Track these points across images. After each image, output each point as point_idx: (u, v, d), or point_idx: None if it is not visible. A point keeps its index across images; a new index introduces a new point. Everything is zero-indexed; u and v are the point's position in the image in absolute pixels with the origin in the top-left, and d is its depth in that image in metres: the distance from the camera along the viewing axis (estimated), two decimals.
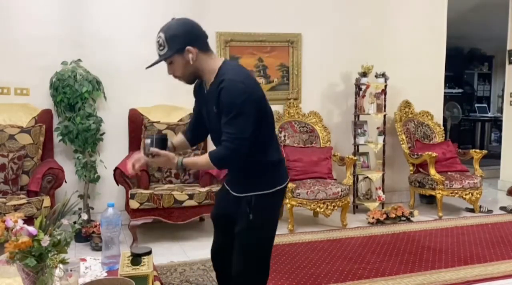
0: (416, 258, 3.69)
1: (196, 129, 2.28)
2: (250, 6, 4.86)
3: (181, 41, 1.92)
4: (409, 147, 5.30)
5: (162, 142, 2.06)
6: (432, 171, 4.87)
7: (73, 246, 3.82)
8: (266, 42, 4.89)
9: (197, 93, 2.17)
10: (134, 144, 4.46)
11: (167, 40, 1.91)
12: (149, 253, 2.10)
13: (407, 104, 5.48)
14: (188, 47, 1.92)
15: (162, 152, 2.00)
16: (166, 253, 3.74)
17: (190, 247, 3.89)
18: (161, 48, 1.94)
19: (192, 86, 2.18)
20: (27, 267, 1.71)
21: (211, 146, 2.37)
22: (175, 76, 2.03)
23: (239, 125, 1.88)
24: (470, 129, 9.86)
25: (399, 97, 5.43)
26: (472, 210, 5.13)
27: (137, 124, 4.45)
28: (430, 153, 4.89)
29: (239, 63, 2.13)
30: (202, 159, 2.01)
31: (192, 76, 2.02)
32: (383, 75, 5.03)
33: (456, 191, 4.88)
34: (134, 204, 3.82)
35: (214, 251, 2.32)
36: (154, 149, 1.99)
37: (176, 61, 1.95)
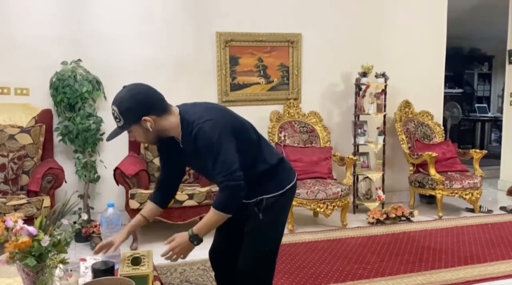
0: (416, 258, 3.69)
1: (170, 186, 2.23)
2: (250, 6, 4.86)
3: (136, 113, 1.90)
4: (409, 147, 5.30)
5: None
6: (432, 171, 4.87)
7: (73, 246, 3.82)
8: (266, 42, 4.88)
9: (169, 147, 2.09)
10: (134, 144, 4.46)
11: (122, 114, 1.90)
12: (111, 268, 2.06)
13: (407, 104, 5.48)
14: (144, 118, 1.90)
15: (172, 245, 1.97)
16: None
17: None
18: (117, 120, 1.93)
19: None
20: (27, 267, 1.71)
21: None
22: (138, 141, 2.05)
23: (225, 161, 1.86)
24: (470, 129, 9.85)
25: (399, 97, 5.43)
26: (472, 210, 5.13)
27: None
28: (430, 153, 4.89)
29: (189, 103, 2.10)
30: (211, 216, 1.92)
31: (156, 139, 2.01)
32: (383, 75, 5.03)
33: (456, 191, 4.88)
34: (134, 204, 3.82)
35: (213, 250, 2.32)
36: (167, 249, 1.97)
37: (135, 130, 1.95)
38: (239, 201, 1.93)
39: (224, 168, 1.86)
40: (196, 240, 1.94)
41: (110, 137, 1.98)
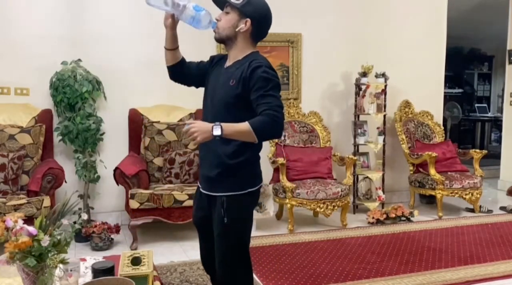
0: (416, 258, 3.69)
1: (188, 67, 2.26)
2: None
3: (252, 11, 2.01)
4: (409, 147, 5.30)
5: None
6: (432, 171, 4.87)
7: (73, 246, 3.82)
8: (266, 42, 4.88)
9: (214, 64, 2.20)
10: (134, 144, 4.46)
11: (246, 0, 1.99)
12: (111, 268, 2.07)
13: (407, 104, 5.48)
14: (248, 20, 2.00)
15: (193, 124, 1.88)
16: (166, 253, 3.74)
17: (190, 247, 3.89)
18: None
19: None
20: (27, 267, 1.71)
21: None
22: (217, 26, 2.07)
23: (277, 96, 1.92)
24: (470, 129, 9.85)
25: (399, 97, 5.43)
26: (472, 210, 5.13)
27: (137, 124, 4.45)
28: (430, 153, 4.89)
29: None
30: (242, 125, 1.85)
31: (225, 38, 2.07)
32: (383, 75, 5.03)
33: (456, 191, 4.88)
34: (134, 204, 3.82)
35: (203, 255, 2.31)
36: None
37: (231, 16, 2.03)
38: (273, 132, 1.91)
39: (272, 100, 1.89)
40: (218, 131, 1.82)
41: None
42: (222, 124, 1.84)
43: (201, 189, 2.18)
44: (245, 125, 1.85)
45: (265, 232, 4.33)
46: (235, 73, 2.00)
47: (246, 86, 1.95)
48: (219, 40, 2.10)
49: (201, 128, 1.84)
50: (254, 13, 2.01)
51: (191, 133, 1.85)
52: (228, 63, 2.09)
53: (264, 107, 1.87)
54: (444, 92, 5.97)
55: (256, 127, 1.84)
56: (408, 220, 4.72)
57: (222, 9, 2.10)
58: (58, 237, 1.78)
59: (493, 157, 6.89)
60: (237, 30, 2.02)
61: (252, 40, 2.07)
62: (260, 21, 2.04)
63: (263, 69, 1.94)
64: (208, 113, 2.10)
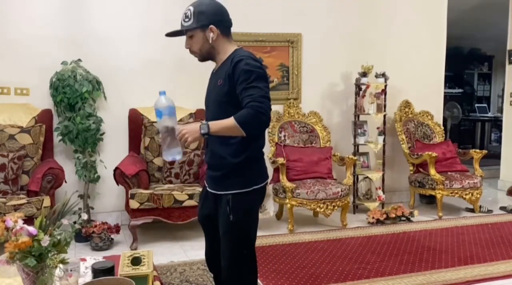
0: (416, 258, 3.69)
1: None
2: (250, 6, 4.85)
3: (208, 18, 2.01)
4: (409, 147, 5.30)
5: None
6: (432, 171, 4.87)
7: (73, 246, 3.82)
8: (266, 42, 4.88)
9: (210, 78, 2.23)
10: (134, 144, 4.46)
11: (195, 14, 2.00)
12: (111, 268, 2.07)
13: (407, 104, 5.48)
14: (212, 26, 2.01)
15: (183, 127, 1.93)
16: (166, 253, 3.74)
17: (190, 247, 3.89)
18: (187, 19, 2.02)
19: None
20: (27, 267, 1.71)
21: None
22: (191, 51, 2.10)
23: (260, 87, 1.92)
24: (470, 129, 9.85)
25: (399, 97, 5.43)
26: (472, 210, 5.13)
27: (137, 124, 4.45)
28: (430, 153, 4.89)
29: None
30: (228, 120, 1.90)
31: (207, 55, 2.10)
32: (383, 75, 5.03)
33: (456, 191, 4.88)
34: (134, 204, 3.82)
35: (207, 254, 2.32)
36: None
37: (197, 36, 2.04)
38: (258, 123, 1.91)
39: (259, 91, 1.90)
40: (204, 129, 1.90)
41: (170, 34, 2.11)
42: (209, 122, 1.92)
43: (207, 188, 2.20)
44: (230, 120, 1.90)
45: (265, 232, 4.33)
46: (221, 73, 2.04)
47: (232, 82, 1.98)
48: (203, 59, 2.14)
49: (190, 129, 1.92)
50: (211, 17, 2.02)
51: (182, 135, 1.91)
52: (216, 67, 2.15)
53: (247, 99, 1.90)
54: (444, 92, 5.97)
55: (240, 121, 1.88)
56: (408, 220, 4.72)
57: (182, 35, 2.10)
58: (58, 237, 1.78)
59: (493, 157, 6.89)
60: (210, 41, 2.04)
61: (226, 37, 2.09)
62: (221, 19, 2.06)
63: (245, 61, 1.95)
64: (207, 117, 2.16)
